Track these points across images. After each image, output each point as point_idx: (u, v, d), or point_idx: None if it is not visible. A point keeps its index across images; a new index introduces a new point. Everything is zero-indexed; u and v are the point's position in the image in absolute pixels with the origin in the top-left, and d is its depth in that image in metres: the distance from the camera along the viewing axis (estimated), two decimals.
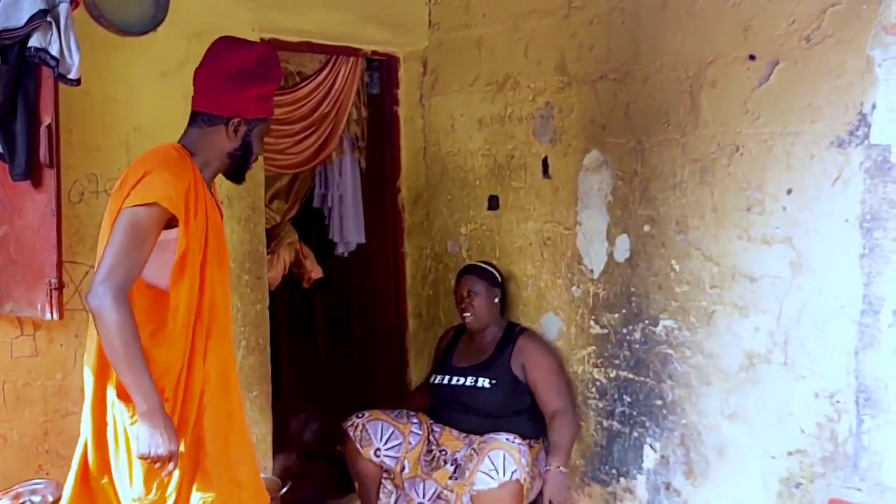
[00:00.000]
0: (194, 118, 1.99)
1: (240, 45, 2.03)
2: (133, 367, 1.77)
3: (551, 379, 2.88)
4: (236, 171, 2.05)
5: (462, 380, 2.94)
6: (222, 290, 2.00)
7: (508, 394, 2.88)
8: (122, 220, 1.81)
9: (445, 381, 2.98)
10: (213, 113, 1.96)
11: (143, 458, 1.80)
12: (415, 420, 2.97)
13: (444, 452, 2.87)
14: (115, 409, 1.86)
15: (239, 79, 1.94)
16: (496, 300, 3.01)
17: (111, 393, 1.87)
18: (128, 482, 1.87)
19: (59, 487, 2.45)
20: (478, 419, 2.83)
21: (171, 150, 1.94)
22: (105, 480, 1.91)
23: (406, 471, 2.86)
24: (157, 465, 1.80)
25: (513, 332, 2.99)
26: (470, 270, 3.07)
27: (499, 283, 3.05)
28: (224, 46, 2.01)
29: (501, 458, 2.61)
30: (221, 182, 2.73)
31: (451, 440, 2.89)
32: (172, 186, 1.83)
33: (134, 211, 1.80)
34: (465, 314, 2.99)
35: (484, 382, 2.90)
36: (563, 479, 2.74)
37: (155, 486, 1.86)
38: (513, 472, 2.60)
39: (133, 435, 1.82)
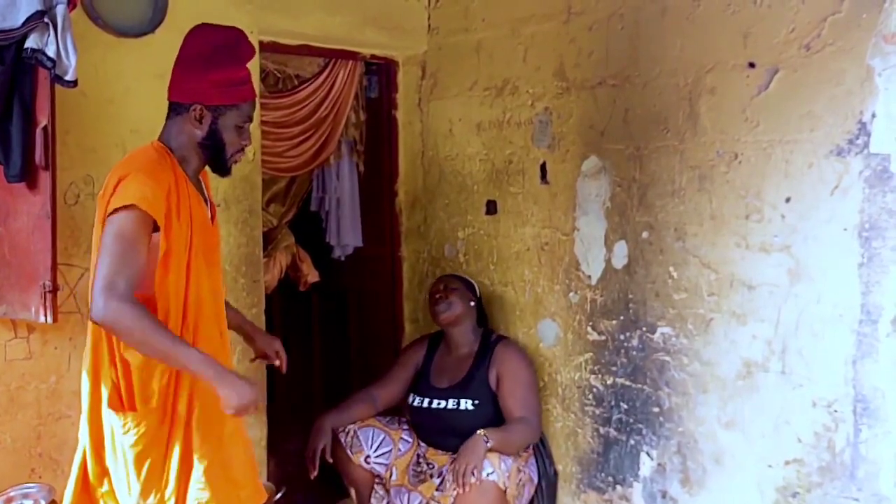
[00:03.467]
0: (168, 110, 1.95)
1: (206, 29, 1.95)
2: (174, 350, 1.75)
3: (522, 392, 2.83)
4: (213, 163, 1.97)
5: (443, 403, 2.88)
6: (210, 288, 1.96)
7: (492, 413, 2.83)
8: (107, 230, 1.78)
9: (425, 405, 2.91)
10: (177, 101, 1.91)
11: (237, 414, 1.80)
12: (405, 427, 2.95)
13: (431, 466, 2.84)
14: (111, 420, 1.86)
15: (198, 63, 1.88)
16: (472, 303, 2.98)
17: (104, 404, 1.87)
18: (126, 490, 1.86)
19: (52, 491, 2.44)
20: (462, 440, 2.71)
21: (149, 151, 1.90)
22: (105, 489, 1.90)
23: (394, 477, 2.85)
24: (250, 412, 1.82)
25: (489, 342, 2.95)
26: (446, 275, 3.13)
27: (475, 292, 3.04)
28: (192, 32, 1.94)
29: None
30: (219, 183, 2.74)
31: (438, 456, 2.86)
32: (150, 189, 1.79)
33: (116, 218, 1.77)
34: (439, 307, 2.93)
35: (466, 404, 2.84)
36: (482, 447, 2.61)
37: (153, 492, 1.85)
38: (489, 474, 2.58)
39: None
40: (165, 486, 1.86)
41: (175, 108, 1.93)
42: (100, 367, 1.87)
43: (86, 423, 1.90)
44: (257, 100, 3.02)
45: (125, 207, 1.77)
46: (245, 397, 1.79)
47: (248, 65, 1.99)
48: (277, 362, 2.28)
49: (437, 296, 2.97)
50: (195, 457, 1.89)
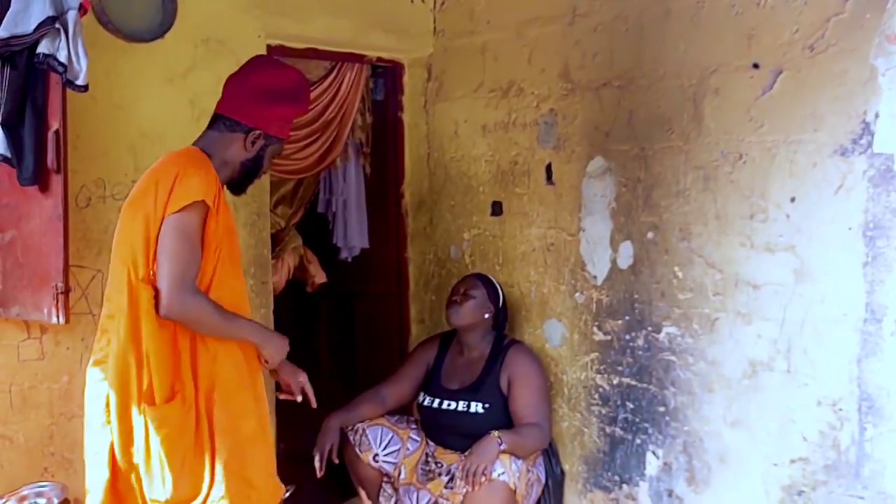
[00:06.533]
0: (215, 121, 2.04)
1: (279, 66, 2.13)
2: (234, 328, 1.97)
3: (533, 397, 2.83)
4: (241, 182, 2.10)
5: (453, 404, 2.88)
6: (231, 291, 2.01)
7: (502, 417, 2.83)
8: (170, 227, 1.86)
9: (435, 405, 2.92)
10: (238, 120, 2.01)
11: (277, 366, 2.10)
12: (414, 426, 2.97)
13: (440, 465, 2.86)
14: (145, 415, 1.89)
15: (270, 95, 2.02)
16: (487, 316, 2.94)
17: (136, 399, 1.90)
18: (160, 484, 1.90)
19: (65, 490, 2.47)
20: (471, 441, 2.72)
21: (194, 152, 1.99)
22: (132, 482, 1.93)
23: (402, 476, 2.86)
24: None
25: (501, 346, 2.95)
26: (476, 275, 3.05)
27: (498, 303, 2.99)
28: (264, 63, 2.14)
29: None
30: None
31: (447, 454, 2.88)
32: (207, 183, 1.90)
33: (180, 216, 1.86)
34: (450, 309, 2.92)
35: (477, 407, 2.85)
36: (495, 448, 2.63)
37: (188, 485, 1.90)
38: (500, 474, 2.60)
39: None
40: (199, 479, 1.91)
41: (228, 125, 2.02)
42: (131, 364, 1.90)
43: (115, 419, 1.92)
44: None
45: (193, 204, 1.85)
46: (281, 349, 2.09)
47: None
48: (300, 398, 2.21)
49: (454, 297, 2.95)
50: (213, 451, 1.94)
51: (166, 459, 1.89)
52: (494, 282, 3.03)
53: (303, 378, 2.19)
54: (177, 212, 1.85)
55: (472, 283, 2.98)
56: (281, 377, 2.23)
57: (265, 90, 2.02)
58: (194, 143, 2.03)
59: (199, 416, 1.93)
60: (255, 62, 2.12)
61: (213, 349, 1.96)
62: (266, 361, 2.10)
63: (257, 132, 2.01)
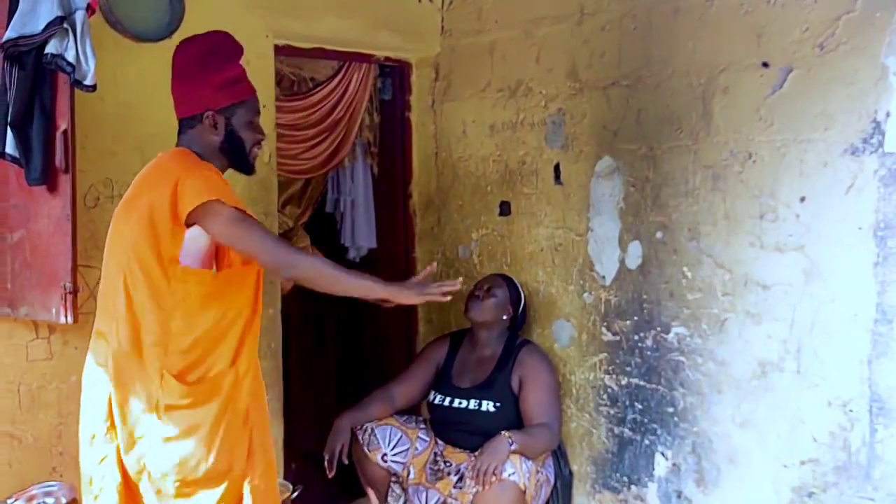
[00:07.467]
0: (180, 127, 2.02)
1: (191, 41, 2.03)
2: (350, 281, 2.01)
3: (544, 398, 2.83)
4: (237, 162, 2.04)
5: (465, 402, 2.88)
6: None
7: (513, 416, 2.84)
8: (222, 226, 1.85)
9: (447, 403, 2.92)
10: (188, 115, 1.98)
11: (421, 297, 2.03)
12: (422, 426, 2.97)
13: (449, 464, 2.85)
14: (164, 407, 1.87)
15: (195, 72, 1.95)
16: (505, 317, 2.96)
17: (158, 391, 1.88)
18: (203, 457, 1.88)
19: (73, 490, 2.48)
20: (481, 440, 2.72)
21: (187, 154, 1.97)
22: (144, 484, 1.92)
23: (411, 476, 2.86)
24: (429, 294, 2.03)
25: (514, 346, 2.95)
26: (503, 275, 3.06)
27: (518, 308, 3.00)
28: (177, 49, 2.02)
29: None
30: (234, 185, 2.76)
31: (456, 454, 2.87)
32: (213, 181, 1.88)
33: (216, 216, 1.84)
34: (471, 303, 2.93)
35: (488, 406, 2.85)
36: (506, 448, 2.62)
37: (225, 457, 1.89)
38: (510, 474, 2.59)
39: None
40: (238, 453, 1.92)
41: (187, 124, 2.00)
42: (136, 364, 1.89)
43: (119, 421, 1.90)
44: (274, 103, 3.07)
45: (209, 203, 1.83)
46: (412, 288, 2.03)
47: (243, 62, 2.05)
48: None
49: (476, 293, 2.96)
50: (255, 437, 1.97)
51: (210, 429, 1.87)
52: (519, 287, 3.04)
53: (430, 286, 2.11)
54: (205, 216, 1.84)
55: (497, 282, 3.00)
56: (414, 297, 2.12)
57: (187, 70, 1.96)
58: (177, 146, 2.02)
59: (243, 393, 1.96)
60: (174, 54, 2.02)
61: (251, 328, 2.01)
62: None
63: (209, 113, 1.95)
